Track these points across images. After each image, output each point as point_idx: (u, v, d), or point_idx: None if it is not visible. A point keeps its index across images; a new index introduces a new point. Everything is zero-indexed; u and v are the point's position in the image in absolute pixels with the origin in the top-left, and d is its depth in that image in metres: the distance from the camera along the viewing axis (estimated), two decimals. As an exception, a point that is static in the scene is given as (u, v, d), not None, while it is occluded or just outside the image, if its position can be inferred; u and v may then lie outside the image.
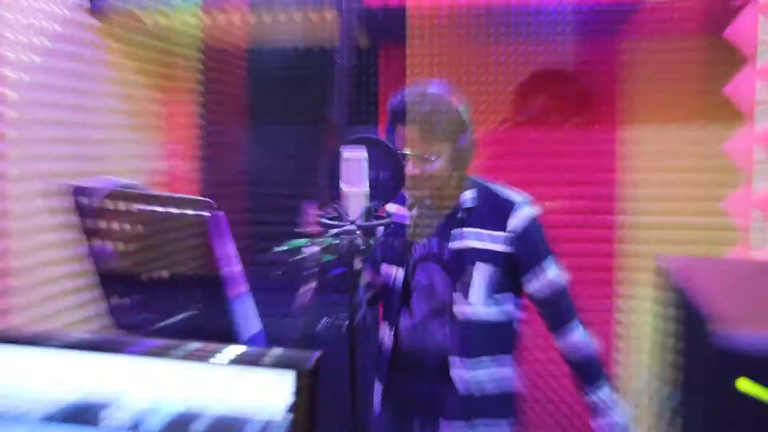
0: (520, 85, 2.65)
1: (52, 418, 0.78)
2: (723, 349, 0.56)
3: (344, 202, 1.56)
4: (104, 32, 2.29)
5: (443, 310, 1.90)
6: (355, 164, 1.57)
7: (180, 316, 1.31)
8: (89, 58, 2.19)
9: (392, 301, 1.96)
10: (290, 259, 1.78)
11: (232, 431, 0.68)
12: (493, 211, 1.86)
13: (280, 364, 0.71)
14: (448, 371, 1.87)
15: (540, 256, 1.86)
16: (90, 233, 1.36)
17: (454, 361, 1.86)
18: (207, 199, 1.24)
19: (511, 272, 1.86)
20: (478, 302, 1.84)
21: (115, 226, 1.34)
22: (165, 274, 1.33)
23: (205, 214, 1.23)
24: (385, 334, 1.98)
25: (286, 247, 1.74)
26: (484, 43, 2.59)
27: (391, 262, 1.98)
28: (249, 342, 1.25)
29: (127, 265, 1.37)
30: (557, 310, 1.87)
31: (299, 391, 0.68)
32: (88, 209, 1.31)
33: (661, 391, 0.79)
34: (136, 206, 1.31)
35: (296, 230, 1.78)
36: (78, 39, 2.14)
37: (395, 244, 1.83)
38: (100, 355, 0.80)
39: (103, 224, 1.35)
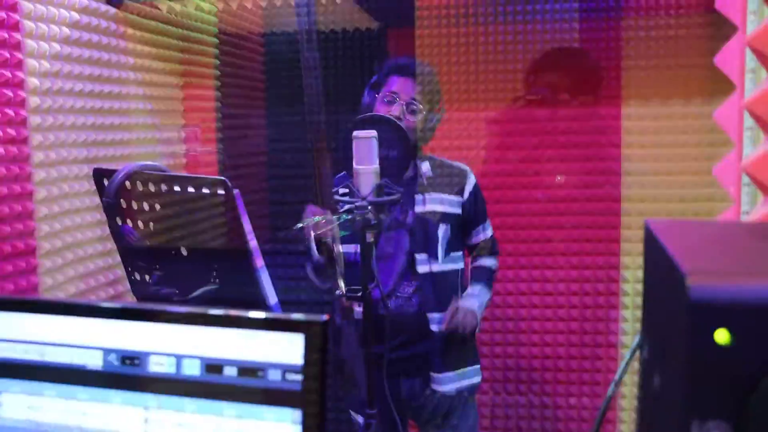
0: (530, 64, 2.69)
1: (106, 366, 0.87)
2: (700, 302, 0.60)
3: (356, 180, 1.65)
4: (122, 19, 2.36)
5: (409, 273, 2.10)
6: (365, 143, 1.65)
7: (203, 289, 1.38)
8: (109, 46, 2.27)
9: (355, 276, 2.00)
10: (304, 228, 1.84)
11: (258, 374, 0.80)
12: (449, 179, 2.16)
13: (295, 326, 0.81)
14: (427, 329, 2.08)
15: (485, 217, 2.23)
16: (114, 214, 1.43)
17: (432, 315, 2.08)
18: (222, 178, 1.30)
19: (460, 231, 2.18)
20: (441, 260, 2.11)
21: (137, 206, 1.43)
22: (186, 249, 1.40)
23: (221, 192, 1.30)
24: (353, 309, 2.05)
25: (303, 224, 1.80)
26: (492, 23, 2.63)
27: (350, 240, 1.96)
28: (270, 309, 1.32)
29: (150, 242, 1.44)
30: (484, 250, 2.23)
31: (310, 346, 0.79)
32: (112, 191, 1.38)
33: (642, 350, 0.82)
34: (156, 187, 1.40)
35: (299, 227, 1.87)
36: (97, 27, 2.22)
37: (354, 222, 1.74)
38: (132, 321, 0.87)
39: (126, 205, 1.43)
